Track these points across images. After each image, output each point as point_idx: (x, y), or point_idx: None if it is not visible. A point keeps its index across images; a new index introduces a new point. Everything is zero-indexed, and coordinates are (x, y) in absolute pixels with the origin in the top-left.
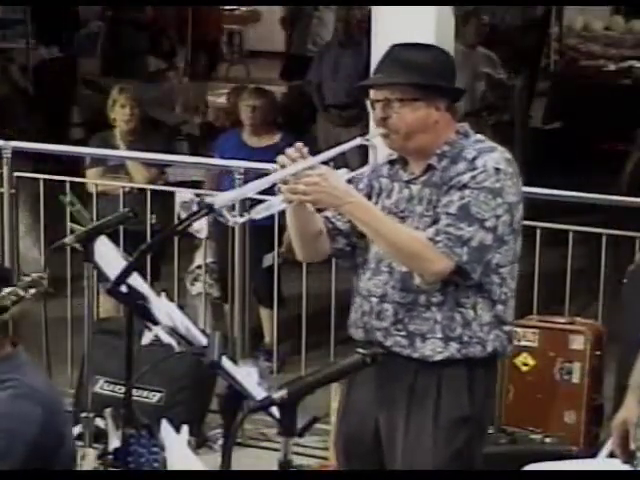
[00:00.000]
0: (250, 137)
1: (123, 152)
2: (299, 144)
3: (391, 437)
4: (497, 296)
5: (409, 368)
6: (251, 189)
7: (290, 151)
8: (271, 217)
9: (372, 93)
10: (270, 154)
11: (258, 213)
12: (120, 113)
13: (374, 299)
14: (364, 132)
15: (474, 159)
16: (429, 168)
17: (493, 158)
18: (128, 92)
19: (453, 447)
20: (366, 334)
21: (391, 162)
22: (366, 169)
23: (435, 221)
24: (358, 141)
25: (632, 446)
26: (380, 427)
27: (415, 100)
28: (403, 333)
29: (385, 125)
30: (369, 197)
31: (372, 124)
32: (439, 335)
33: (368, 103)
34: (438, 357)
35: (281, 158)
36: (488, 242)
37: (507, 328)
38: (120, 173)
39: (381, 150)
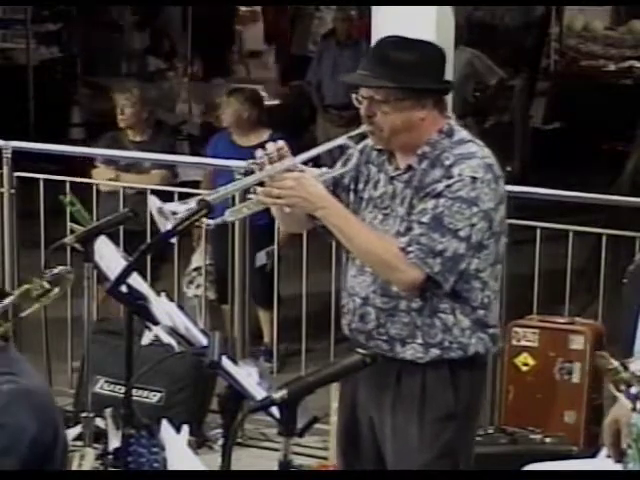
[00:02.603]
0: (239, 137)
1: (129, 153)
2: (281, 142)
3: (382, 434)
4: (478, 301)
5: (392, 368)
6: (232, 190)
7: (271, 146)
8: (269, 217)
9: (361, 89)
10: None
11: (232, 215)
12: (131, 113)
13: (357, 300)
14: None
15: (451, 166)
16: (410, 168)
17: (470, 166)
18: (137, 92)
19: (440, 445)
20: (350, 333)
21: (379, 150)
22: (347, 168)
23: (411, 227)
24: (341, 140)
25: (623, 445)
26: (374, 424)
27: (400, 100)
28: (384, 337)
29: (370, 122)
30: (356, 181)
31: None
32: (419, 340)
33: (354, 97)
34: (419, 361)
35: (260, 154)
36: (462, 251)
37: (491, 330)
38: (131, 172)
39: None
